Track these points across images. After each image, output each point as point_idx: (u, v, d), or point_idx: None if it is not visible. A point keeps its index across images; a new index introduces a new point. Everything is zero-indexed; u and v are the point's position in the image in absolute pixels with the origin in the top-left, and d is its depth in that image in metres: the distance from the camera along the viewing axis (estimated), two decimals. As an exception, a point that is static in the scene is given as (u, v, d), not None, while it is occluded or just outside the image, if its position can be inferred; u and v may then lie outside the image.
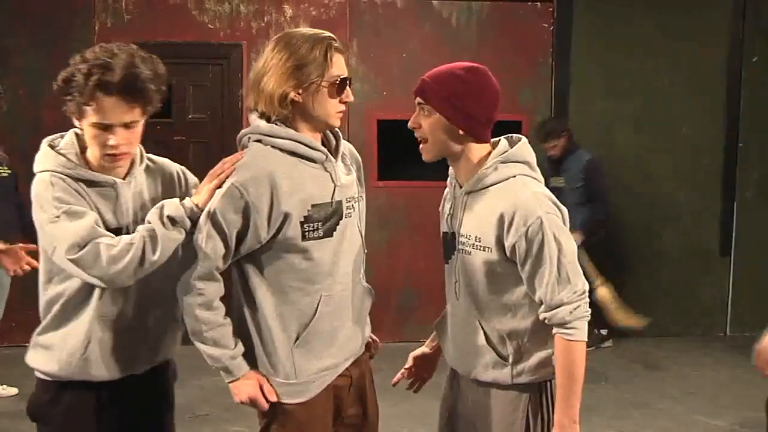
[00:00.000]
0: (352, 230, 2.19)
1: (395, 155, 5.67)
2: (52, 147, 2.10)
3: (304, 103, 2.05)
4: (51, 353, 2.13)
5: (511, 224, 2.01)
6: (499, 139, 2.18)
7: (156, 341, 2.23)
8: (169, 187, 2.26)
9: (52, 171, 2.04)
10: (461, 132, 2.08)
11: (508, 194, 2.05)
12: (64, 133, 2.14)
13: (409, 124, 2.14)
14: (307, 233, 2.06)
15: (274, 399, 2.10)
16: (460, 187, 2.16)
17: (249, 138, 2.11)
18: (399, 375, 2.46)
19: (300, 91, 2.04)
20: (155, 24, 5.84)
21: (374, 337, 2.40)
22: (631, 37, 6.23)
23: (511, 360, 2.11)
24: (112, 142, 2.01)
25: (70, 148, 2.09)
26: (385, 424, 4.43)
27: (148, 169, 2.23)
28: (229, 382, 2.11)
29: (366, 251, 2.30)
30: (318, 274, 2.09)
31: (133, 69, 1.99)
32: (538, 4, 6.22)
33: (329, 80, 2.05)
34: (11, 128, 5.31)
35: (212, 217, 2.01)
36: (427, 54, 5.91)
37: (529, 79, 6.19)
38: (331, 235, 2.11)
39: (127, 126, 2.02)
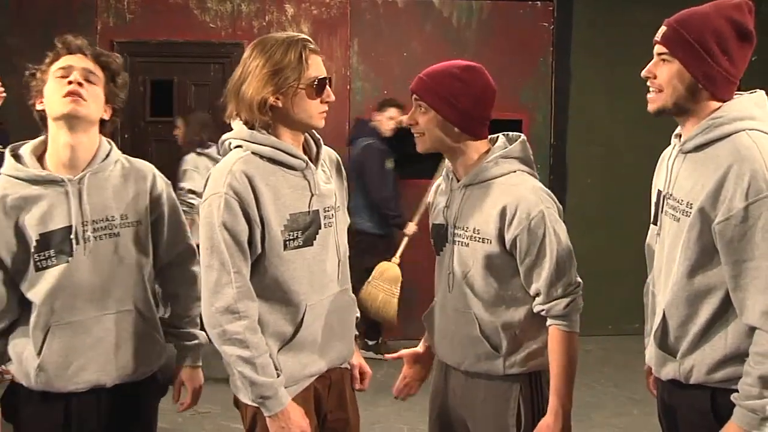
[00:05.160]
0: (332, 240, 2.15)
1: (397, 154, 5.68)
2: (11, 151, 2.19)
3: (284, 108, 2.03)
4: (13, 364, 2.14)
5: (513, 217, 2.05)
6: (497, 136, 2.22)
7: (113, 354, 2.14)
8: (141, 189, 2.22)
9: (3, 174, 2.14)
10: (457, 129, 2.11)
11: (510, 188, 2.09)
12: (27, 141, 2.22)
13: (406, 120, 2.19)
14: (287, 242, 2.03)
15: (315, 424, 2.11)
16: (457, 180, 2.19)
17: (230, 143, 2.09)
18: (397, 385, 2.43)
19: (279, 96, 2.01)
20: (157, 23, 5.86)
21: (365, 368, 2.34)
22: (631, 36, 6.22)
23: (503, 351, 2.12)
24: (71, 77, 2.10)
25: (26, 150, 2.18)
26: (387, 422, 4.47)
27: (123, 169, 2.21)
28: (275, 414, 1.99)
29: (341, 259, 2.20)
30: (301, 284, 2.06)
31: (87, 42, 2.19)
32: (539, 3, 6.23)
33: (307, 82, 2.03)
34: (14, 128, 5.32)
35: (223, 234, 1.96)
36: (428, 53, 5.90)
37: (529, 78, 6.20)
38: (312, 245, 2.08)
39: (85, 77, 2.11)
